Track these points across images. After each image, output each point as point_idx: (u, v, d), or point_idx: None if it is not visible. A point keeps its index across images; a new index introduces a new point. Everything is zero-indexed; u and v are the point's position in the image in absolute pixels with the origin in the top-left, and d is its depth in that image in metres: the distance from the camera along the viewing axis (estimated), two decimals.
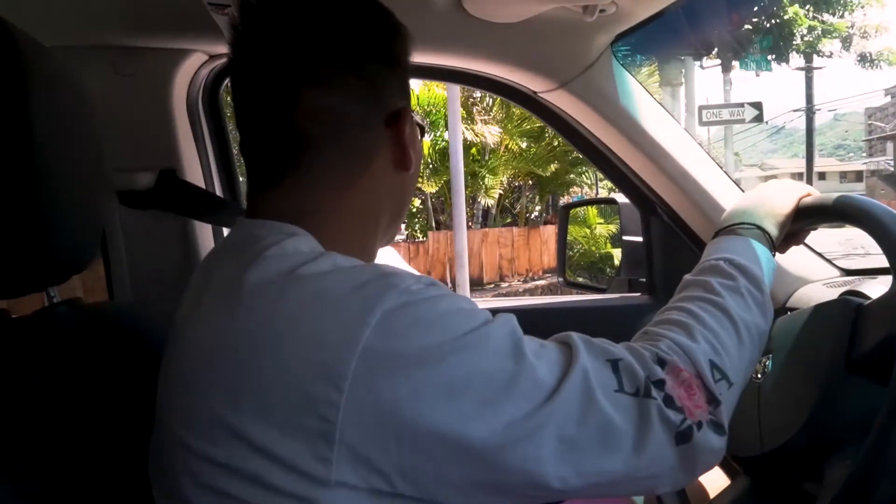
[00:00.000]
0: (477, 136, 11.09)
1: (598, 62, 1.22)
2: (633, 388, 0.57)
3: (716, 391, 0.60)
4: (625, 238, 1.54)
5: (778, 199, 0.87)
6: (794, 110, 27.14)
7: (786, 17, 12.36)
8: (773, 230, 0.83)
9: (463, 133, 10.72)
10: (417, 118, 0.76)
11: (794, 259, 1.26)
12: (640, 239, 1.49)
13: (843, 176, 49.33)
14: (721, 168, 1.35)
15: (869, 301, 0.84)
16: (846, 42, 12.85)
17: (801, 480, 0.83)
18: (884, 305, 0.80)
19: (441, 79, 1.37)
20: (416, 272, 0.63)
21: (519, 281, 11.79)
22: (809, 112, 24.66)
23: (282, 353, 0.52)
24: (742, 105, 9.85)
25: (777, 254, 0.91)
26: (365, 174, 0.68)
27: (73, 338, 0.71)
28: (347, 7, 0.68)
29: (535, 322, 1.48)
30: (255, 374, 0.53)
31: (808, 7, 12.94)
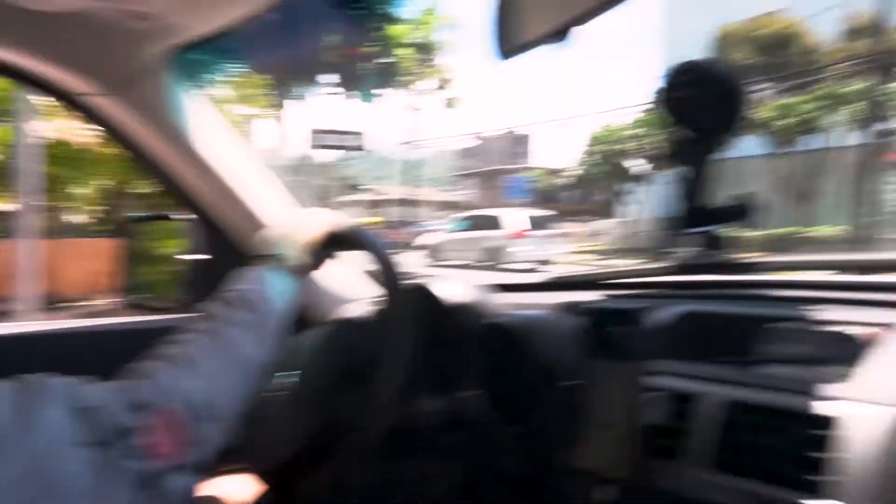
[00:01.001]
0: (61, 134, 9.57)
1: (151, 71, 1.16)
2: (99, 437, 0.55)
3: (196, 431, 0.62)
4: (188, 256, 1.50)
5: (306, 228, 0.94)
6: (402, 142, 30.53)
7: (393, 58, 13.76)
8: (301, 258, 0.90)
9: (44, 129, 9.20)
10: None
11: (338, 279, 1.38)
12: (202, 256, 1.46)
13: (441, 205, 57.12)
14: (285, 188, 1.40)
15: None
16: (438, 87, 14.93)
17: (311, 484, 0.90)
18: (374, 323, 0.92)
19: None
20: None
21: (108, 297, 10.63)
22: (414, 145, 27.97)
23: None
24: (348, 133, 10.62)
25: (316, 275, 0.99)
26: None
27: None
28: None
29: (90, 346, 1.34)
30: None
31: (413, 52, 14.68)
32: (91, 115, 1.24)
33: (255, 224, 1.31)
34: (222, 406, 0.66)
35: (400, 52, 14.16)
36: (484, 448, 0.96)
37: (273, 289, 0.81)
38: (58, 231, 10.38)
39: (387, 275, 0.86)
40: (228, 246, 1.41)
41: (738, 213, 0.75)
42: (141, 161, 1.31)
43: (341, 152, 10.87)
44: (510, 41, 0.66)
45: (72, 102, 1.23)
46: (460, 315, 1.02)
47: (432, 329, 1.04)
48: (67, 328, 1.42)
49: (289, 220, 0.96)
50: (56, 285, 9.63)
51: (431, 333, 1.04)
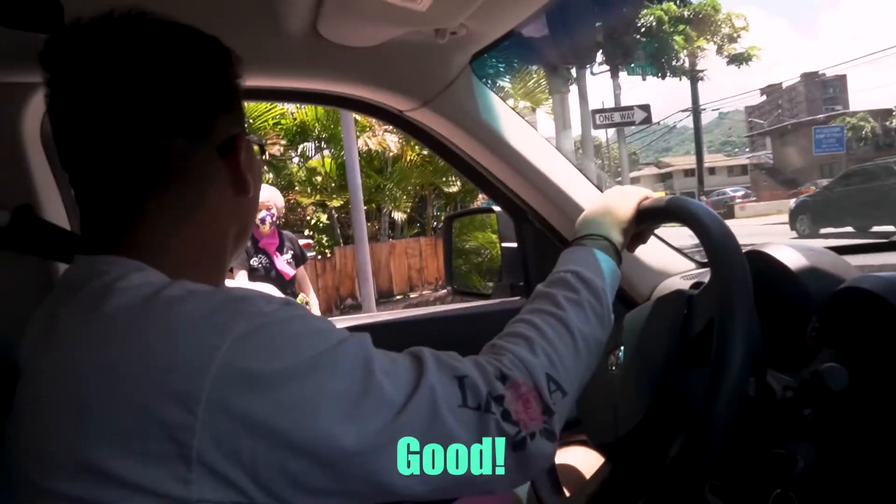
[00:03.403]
0: (380, 145, 10.98)
1: (458, 80, 1.27)
2: (476, 403, 0.62)
3: (550, 402, 0.67)
4: (503, 245, 1.61)
5: (620, 206, 0.94)
6: (682, 111, 28.78)
7: (663, 32, 13.03)
8: (618, 237, 0.90)
9: (366, 143, 10.65)
10: (254, 138, 0.79)
11: (655, 255, 1.36)
12: (516, 245, 1.56)
13: (731, 170, 52.56)
14: (583, 173, 1.43)
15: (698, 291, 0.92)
16: (720, 47, 13.79)
17: (653, 462, 0.90)
18: (704, 294, 0.88)
19: (304, 101, 1.40)
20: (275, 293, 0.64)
21: (429, 290, 11.84)
22: (696, 112, 26.18)
23: (135, 382, 0.54)
24: (632, 108, 10.32)
25: (633, 252, 0.99)
26: (202, 205, 0.70)
27: None
28: (176, 46, 0.68)
29: (427, 331, 1.52)
30: (108, 405, 0.54)
31: (679, 22, 13.71)
32: (410, 128, 1.39)
33: (566, 210, 1.36)
34: (567, 380, 0.70)
35: (673, 31, 13.27)
36: (842, 425, 0.86)
37: (600, 268, 0.83)
38: (379, 234, 11.89)
39: (715, 244, 0.82)
40: (536, 233, 1.48)
41: None
42: (454, 162, 1.44)
43: (621, 129, 10.58)
44: None
45: (391, 118, 1.40)
46: (805, 281, 0.93)
47: (774, 297, 0.96)
48: (405, 317, 1.62)
49: (602, 202, 0.97)
50: (383, 282, 11.09)
51: (773, 302, 0.96)
